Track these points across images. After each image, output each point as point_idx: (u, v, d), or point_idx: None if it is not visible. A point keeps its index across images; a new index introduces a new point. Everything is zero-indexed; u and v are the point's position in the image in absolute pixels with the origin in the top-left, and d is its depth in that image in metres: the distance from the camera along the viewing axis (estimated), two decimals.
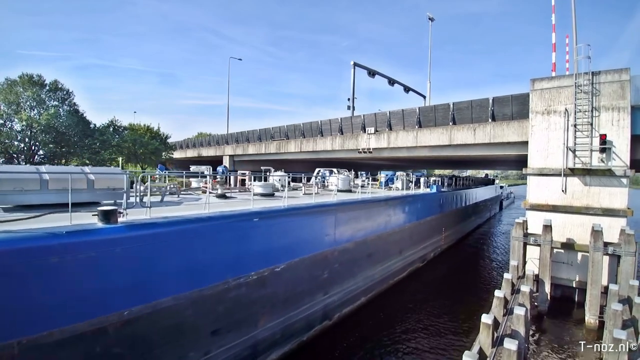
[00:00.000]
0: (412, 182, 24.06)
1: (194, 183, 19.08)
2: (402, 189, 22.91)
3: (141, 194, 10.39)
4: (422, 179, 26.57)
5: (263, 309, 9.59)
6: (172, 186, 14.17)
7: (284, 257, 10.37)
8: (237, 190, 17.94)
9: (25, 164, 26.41)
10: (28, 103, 26.86)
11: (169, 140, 45.21)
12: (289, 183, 19.79)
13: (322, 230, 12.24)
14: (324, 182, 22.98)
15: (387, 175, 26.68)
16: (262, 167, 23.47)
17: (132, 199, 9.76)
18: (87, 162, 29.50)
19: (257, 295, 9.39)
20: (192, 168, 24.92)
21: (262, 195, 14.47)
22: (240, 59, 54.59)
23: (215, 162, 45.12)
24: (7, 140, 25.67)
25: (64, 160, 29.67)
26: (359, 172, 29.27)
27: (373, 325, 13.20)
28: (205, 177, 18.35)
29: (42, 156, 28.40)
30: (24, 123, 25.76)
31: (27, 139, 26.70)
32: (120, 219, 6.95)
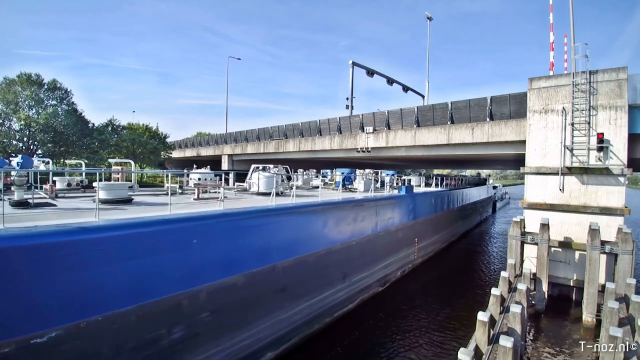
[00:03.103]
0: (377, 181, 21.10)
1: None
2: (366, 190, 19.32)
3: None
4: (387, 179, 22.97)
5: None
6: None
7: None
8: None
9: None
10: (26, 102, 26.87)
11: (168, 140, 45.24)
12: (226, 181, 18.33)
13: (174, 258, 7.59)
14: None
15: (343, 173, 22.74)
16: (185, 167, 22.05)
17: None
18: (86, 161, 29.48)
19: None
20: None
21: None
22: (239, 59, 54.79)
23: (214, 161, 45.17)
24: (5, 140, 25.66)
25: (62, 160, 29.66)
26: (321, 171, 28.09)
27: None
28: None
29: (40, 155, 28.38)
30: (22, 122, 25.76)
31: (25, 139, 26.70)
32: None
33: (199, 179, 16.58)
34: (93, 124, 33.11)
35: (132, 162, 20.24)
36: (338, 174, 22.77)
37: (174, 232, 7.70)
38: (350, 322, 13.05)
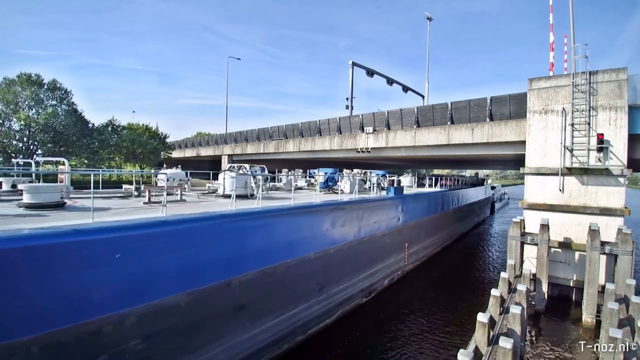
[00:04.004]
0: (366, 182, 19.89)
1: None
2: (352, 191, 17.85)
3: None
4: (374, 179, 20.99)
5: None
6: None
7: None
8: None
9: (23, 163, 26.40)
10: (26, 102, 26.89)
11: (168, 140, 45.27)
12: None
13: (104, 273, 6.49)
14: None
15: (326, 173, 20.92)
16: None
17: None
18: (86, 161, 29.50)
19: None
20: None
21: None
22: (239, 59, 54.83)
23: (214, 162, 45.18)
24: (5, 140, 25.67)
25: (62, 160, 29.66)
26: (308, 171, 27.04)
27: None
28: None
29: (40, 155, 28.38)
30: (22, 122, 25.78)
31: (25, 139, 26.71)
32: None
33: (167, 179, 15.24)
34: (93, 124, 33.15)
35: (66, 160, 17.18)
36: (321, 174, 20.99)
37: (90, 245, 6.25)
38: (329, 338, 11.84)
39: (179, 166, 23.32)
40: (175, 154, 50.96)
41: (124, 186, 15.03)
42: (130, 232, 7.02)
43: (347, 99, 36.53)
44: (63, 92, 29.69)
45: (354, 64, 36.48)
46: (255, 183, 15.93)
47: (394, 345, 11.80)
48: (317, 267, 12.10)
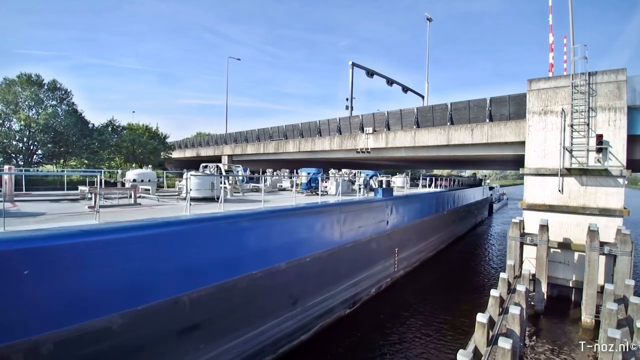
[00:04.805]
0: (354, 183, 18.55)
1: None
2: (336, 193, 16.43)
3: None
4: (360, 180, 19.04)
5: None
6: None
7: None
8: None
9: (24, 164, 26.42)
10: (26, 103, 26.91)
11: (168, 140, 45.30)
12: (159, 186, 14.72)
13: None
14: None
15: (309, 174, 19.40)
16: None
17: None
18: (86, 161, 29.52)
19: None
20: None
21: None
22: (239, 59, 54.79)
23: (214, 162, 45.18)
24: (5, 140, 25.68)
25: (62, 160, 29.68)
26: (295, 171, 25.31)
27: None
28: None
29: (40, 156, 28.42)
30: (22, 123, 25.80)
31: (25, 139, 26.73)
32: None
33: (134, 180, 14.14)
34: (93, 124, 33.16)
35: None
36: (303, 175, 19.53)
37: None
38: (303, 356, 11.00)
39: (150, 165, 22.36)
40: (175, 154, 50.98)
41: (80, 188, 13.60)
42: (42, 244, 5.84)
43: (347, 99, 36.61)
44: (63, 92, 29.70)
45: (353, 64, 36.54)
46: (234, 185, 14.60)
47: (380, 354, 11.26)
48: (290, 278, 10.90)
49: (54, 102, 28.77)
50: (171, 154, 46.85)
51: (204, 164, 17.62)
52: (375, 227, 16.16)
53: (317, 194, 16.65)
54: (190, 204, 9.20)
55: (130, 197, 12.03)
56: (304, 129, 31.84)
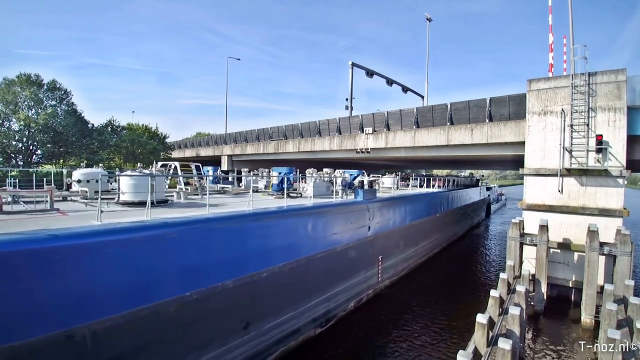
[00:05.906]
0: (334, 183, 17.01)
1: None
2: (318, 195, 15.15)
3: None
4: (338, 180, 17.32)
5: None
6: None
7: None
8: None
9: (23, 164, 26.39)
10: (26, 103, 26.85)
11: (168, 140, 45.23)
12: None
13: None
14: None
15: (280, 174, 17.19)
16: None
17: None
18: (86, 161, 29.47)
19: None
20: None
21: None
22: (238, 59, 54.68)
23: (214, 162, 45.16)
24: (5, 140, 25.63)
25: (61, 161, 29.65)
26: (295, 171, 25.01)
27: None
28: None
29: (40, 156, 28.39)
30: (21, 123, 25.74)
31: (25, 139, 26.67)
32: None
33: (79, 180, 12.75)
34: (93, 124, 33.09)
35: None
36: (275, 175, 17.53)
37: None
38: None
39: (101, 165, 20.91)
40: (175, 154, 50.93)
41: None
42: None
43: (347, 99, 36.62)
44: (63, 92, 29.63)
45: (353, 64, 36.54)
46: (196, 187, 12.98)
47: None
48: (239, 298, 9.25)
49: (53, 102, 28.69)
50: (171, 154, 46.78)
51: (162, 163, 16.57)
52: (354, 234, 14.62)
53: (290, 196, 15.28)
54: (100, 213, 7.58)
55: (47, 201, 10.20)
56: (304, 129, 31.83)
